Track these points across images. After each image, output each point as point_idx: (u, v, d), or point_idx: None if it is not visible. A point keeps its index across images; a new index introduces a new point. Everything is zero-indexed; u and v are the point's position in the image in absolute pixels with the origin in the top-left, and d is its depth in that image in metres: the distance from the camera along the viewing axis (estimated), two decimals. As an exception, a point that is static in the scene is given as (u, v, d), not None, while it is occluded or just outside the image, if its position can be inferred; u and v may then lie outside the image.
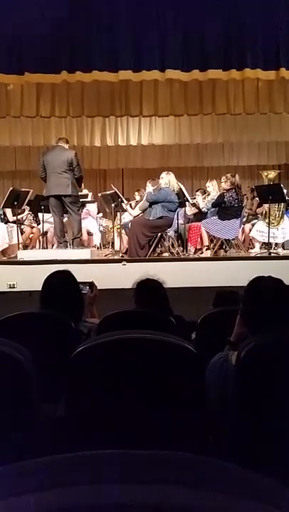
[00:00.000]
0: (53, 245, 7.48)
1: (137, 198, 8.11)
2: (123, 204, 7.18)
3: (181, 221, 6.86)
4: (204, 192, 7.79)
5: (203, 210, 7.22)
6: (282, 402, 1.37)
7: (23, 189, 7.08)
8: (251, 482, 0.51)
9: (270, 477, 0.52)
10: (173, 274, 4.67)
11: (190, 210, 7.53)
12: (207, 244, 6.91)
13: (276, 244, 6.90)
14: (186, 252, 6.86)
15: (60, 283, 2.40)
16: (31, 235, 7.55)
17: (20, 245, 6.80)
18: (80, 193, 7.77)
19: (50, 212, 7.32)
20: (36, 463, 0.52)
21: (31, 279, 4.74)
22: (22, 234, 7.21)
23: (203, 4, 6.50)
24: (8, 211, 7.28)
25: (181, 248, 6.81)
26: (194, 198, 7.63)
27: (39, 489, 0.47)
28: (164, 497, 0.47)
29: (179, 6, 6.51)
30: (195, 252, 7.01)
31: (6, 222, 7.29)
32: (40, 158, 6.33)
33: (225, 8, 6.51)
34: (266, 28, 6.57)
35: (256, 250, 6.90)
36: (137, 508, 0.46)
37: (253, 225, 7.25)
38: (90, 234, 7.73)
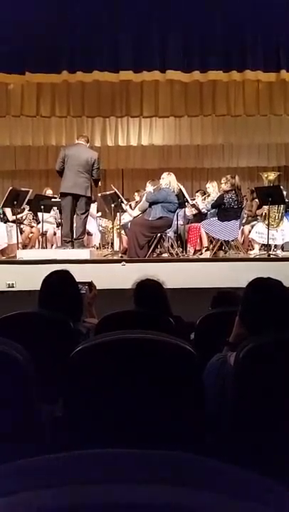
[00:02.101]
0: (52, 245, 7.48)
1: (137, 198, 8.12)
2: (123, 204, 7.18)
3: (180, 222, 6.87)
4: (204, 193, 7.80)
5: (203, 211, 7.22)
6: (281, 402, 1.37)
7: (22, 189, 7.07)
8: (248, 482, 0.51)
9: (269, 477, 0.52)
10: (172, 275, 4.67)
11: (190, 211, 7.53)
12: (206, 245, 6.91)
13: (275, 245, 6.90)
14: (186, 252, 6.86)
15: (59, 283, 2.40)
16: (31, 235, 7.55)
17: (20, 245, 6.79)
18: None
19: (49, 212, 7.31)
20: (35, 462, 0.52)
21: (30, 279, 4.74)
22: (21, 233, 7.21)
23: (203, 5, 6.51)
24: (8, 211, 7.28)
25: (181, 249, 6.81)
26: (194, 199, 7.64)
27: (38, 488, 0.47)
28: (161, 497, 0.47)
29: (180, 7, 6.51)
30: (194, 253, 7.01)
31: (6, 221, 7.29)
32: (61, 152, 6.18)
33: (226, 9, 6.52)
34: (267, 30, 6.58)
35: (255, 252, 6.91)
36: (135, 508, 0.46)
37: (252, 226, 7.26)
38: (89, 234, 7.73)
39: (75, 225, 6.18)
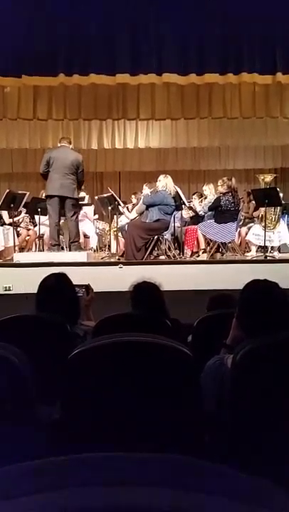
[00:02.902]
0: (49, 248, 7.47)
1: (134, 200, 8.12)
2: (120, 207, 7.18)
3: (177, 224, 6.88)
4: (201, 195, 7.81)
5: (200, 213, 7.23)
6: (279, 404, 1.37)
7: (19, 191, 7.07)
8: (247, 484, 0.51)
9: (268, 478, 0.52)
10: (169, 277, 4.67)
11: (186, 213, 7.54)
12: (203, 247, 6.93)
13: (272, 247, 6.91)
14: (183, 255, 6.87)
15: (56, 286, 2.40)
16: (27, 238, 7.54)
17: (17, 248, 6.78)
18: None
19: (46, 215, 7.32)
20: (34, 465, 0.52)
21: (27, 282, 4.72)
22: (18, 236, 7.19)
23: (200, 8, 6.54)
24: (5, 213, 7.27)
25: (178, 251, 6.82)
26: (191, 202, 7.65)
27: (38, 491, 0.48)
28: (161, 499, 0.47)
29: (177, 10, 6.54)
30: (191, 255, 7.02)
31: (3, 224, 7.28)
32: (45, 155, 6.22)
33: (222, 12, 6.55)
34: (263, 33, 6.61)
35: (252, 254, 6.92)
36: (135, 511, 0.46)
37: (249, 228, 7.28)
38: (86, 236, 7.73)
39: (69, 228, 6.19)
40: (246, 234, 7.21)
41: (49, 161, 5.99)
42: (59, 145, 6.36)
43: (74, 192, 5.99)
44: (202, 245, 6.94)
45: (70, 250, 6.16)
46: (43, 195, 7.99)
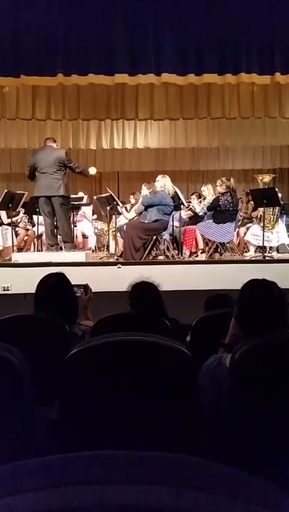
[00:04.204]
0: (47, 248, 7.46)
1: (133, 201, 8.12)
2: (118, 207, 7.18)
3: (176, 224, 6.88)
4: (199, 196, 7.82)
5: (199, 213, 7.23)
6: (277, 403, 1.37)
7: (18, 191, 7.06)
8: (246, 483, 0.51)
9: (266, 478, 0.52)
10: (168, 277, 4.68)
11: (185, 214, 7.55)
12: (202, 247, 6.93)
13: (271, 247, 6.92)
14: (181, 255, 6.87)
15: (55, 285, 2.39)
16: (26, 238, 7.53)
17: (15, 247, 6.78)
18: (75, 196, 7.78)
19: (45, 220, 7.31)
20: (32, 463, 0.52)
21: (26, 282, 4.72)
22: (16, 236, 7.19)
23: (198, 9, 6.54)
24: (3, 213, 7.26)
25: (176, 251, 6.82)
26: (189, 202, 7.65)
27: (35, 489, 0.47)
28: (160, 498, 0.47)
29: (175, 10, 6.54)
30: (190, 255, 7.03)
31: (1, 224, 7.28)
32: (30, 159, 6.26)
33: (220, 12, 6.56)
34: (261, 33, 6.61)
35: (251, 254, 6.92)
36: (134, 509, 0.46)
37: (247, 228, 7.28)
38: (84, 237, 7.73)
39: (60, 228, 6.16)
40: (245, 234, 7.21)
41: (34, 163, 6.02)
42: (43, 146, 6.37)
43: (60, 189, 5.93)
44: (201, 245, 6.95)
45: (57, 250, 6.17)
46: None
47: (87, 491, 0.47)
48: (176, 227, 6.88)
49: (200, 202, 7.50)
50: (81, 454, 0.54)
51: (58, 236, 6.35)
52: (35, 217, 7.24)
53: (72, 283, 2.51)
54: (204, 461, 0.53)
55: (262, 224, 6.56)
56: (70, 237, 6.27)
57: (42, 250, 7.12)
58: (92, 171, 6.27)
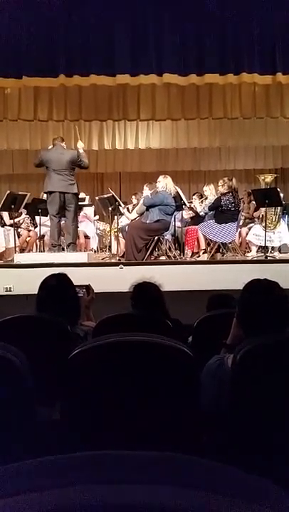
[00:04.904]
0: (49, 248, 7.47)
1: (134, 201, 8.12)
2: (120, 207, 7.18)
3: (178, 224, 6.87)
4: (201, 196, 7.81)
5: (200, 213, 7.23)
6: (278, 404, 1.37)
7: (20, 192, 7.07)
8: (246, 483, 0.51)
9: (267, 478, 0.52)
10: (170, 278, 4.67)
11: (187, 214, 7.54)
12: (204, 247, 6.92)
13: (272, 247, 6.91)
14: (183, 255, 6.86)
15: (57, 286, 2.40)
16: (28, 239, 7.54)
17: (17, 248, 6.79)
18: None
19: (47, 216, 7.34)
20: (33, 463, 0.53)
21: (28, 283, 4.73)
22: (19, 237, 7.20)
23: (200, 9, 6.54)
24: (5, 214, 7.28)
25: (178, 251, 6.82)
26: (191, 202, 7.65)
27: (38, 489, 0.48)
28: (160, 497, 0.47)
29: (176, 11, 6.54)
30: (192, 256, 7.02)
31: (3, 225, 7.29)
32: (39, 154, 6.31)
33: (222, 12, 6.55)
34: (263, 33, 6.61)
35: (253, 254, 6.92)
36: (134, 509, 0.46)
37: (249, 228, 7.27)
38: (87, 237, 7.73)
39: (67, 229, 6.18)
40: (247, 234, 7.20)
41: (44, 162, 6.09)
42: (51, 146, 6.38)
43: (73, 187, 6.03)
44: (202, 246, 6.94)
45: (60, 251, 6.18)
46: (44, 196, 8.02)
47: (88, 491, 0.48)
48: (178, 227, 6.88)
49: (201, 202, 7.50)
50: (82, 454, 0.54)
51: (62, 237, 6.36)
52: (37, 218, 7.25)
53: (75, 284, 2.51)
54: (204, 461, 0.53)
55: (264, 224, 6.56)
56: (74, 238, 6.28)
57: (44, 251, 7.13)
58: (80, 145, 6.31)
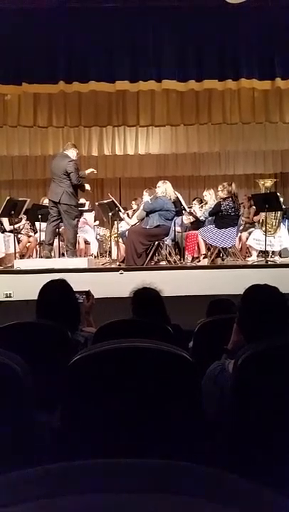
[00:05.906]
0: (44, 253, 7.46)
1: (134, 206, 8.13)
2: (120, 213, 7.19)
3: (178, 229, 6.88)
4: (201, 201, 7.82)
5: (200, 218, 7.24)
6: (280, 409, 1.37)
7: (20, 198, 7.08)
8: (247, 491, 0.51)
9: (268, 486, 0.52)
10: (170, 283, 4.67)
11: (187, 219, 7.55)
12: (204, 252, 6.92)
13: (273, 252, 6.91)
14: (184, 260, 6.86)
15: (57, 292, 2.39)
16: (28, 244, 7.54)
17: (17, 254, 6.79)
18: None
19: (47, 221, 7.35)
20: (32, 472, 0.52)
21: (28, 289, 4.72)
22: (19, 243, 7.20)
23: (199, 15, 6.58)
24: (5, 220, 7.28)
25: (178, 256, 6.82)
26: (191, 207, 7.66)
27: (37, 498, 0.47)
28: (160, 506, 0.47)
29: (175, 18, 6.59)
30: (192, 261, 7.02)
31: (3, 231, 7.29)
32: None
33: (221, 19, 6.59)
34: (261, 38, 6.65)
35: (253, 258, 6.91)
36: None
37: (249, 233, 7.28)
38: (87, 243, 7.73)
39: (66, 235, 6.20)
40: (247, 239, 7.20)
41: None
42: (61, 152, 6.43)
43: (62, 196, 5.97)
44: (203, 250, 6.94)
45: (67, 256, 6.19)
46: (44, 201, 8.04)
47: (87, 500, 0.47)
48: (177, 232, 6.88)
49: (201, 207, 7.51)
50: (81, 462, 0.53)
51: (52, 246, 6.36)
52: (37, 223, 7.26)
53: (75, 289, 2.50)
54: (204, 469, 0.53)
55: (264, 228, 6.56)
56: (72, 243, 6.26)
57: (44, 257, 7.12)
58: (88, 187, 6.35)
